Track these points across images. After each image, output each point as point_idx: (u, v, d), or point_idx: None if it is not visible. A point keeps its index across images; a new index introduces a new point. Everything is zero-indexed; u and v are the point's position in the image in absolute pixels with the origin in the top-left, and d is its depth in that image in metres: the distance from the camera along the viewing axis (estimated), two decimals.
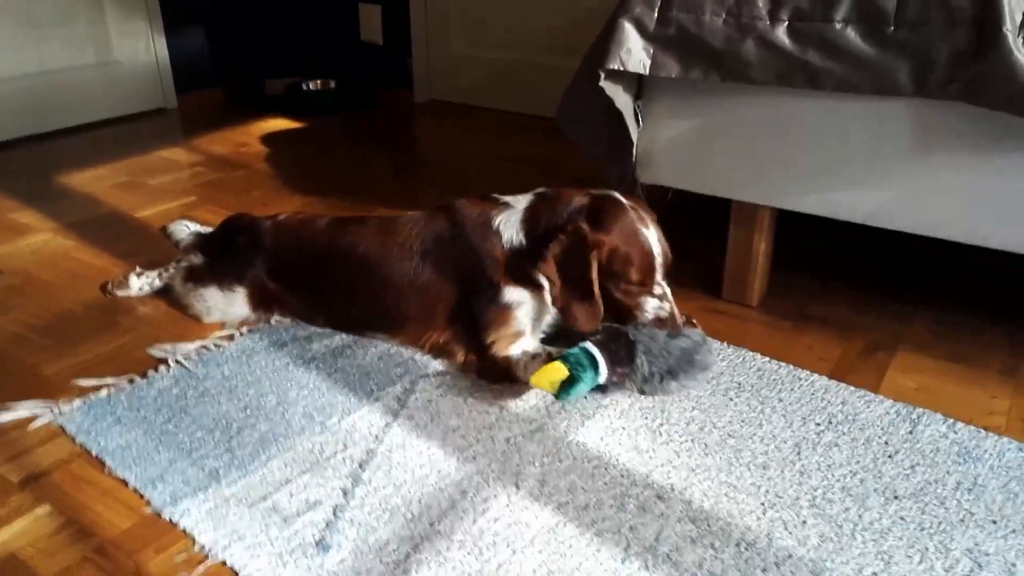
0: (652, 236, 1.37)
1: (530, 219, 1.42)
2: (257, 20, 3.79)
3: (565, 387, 1.28)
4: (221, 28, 3.65)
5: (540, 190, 1.48)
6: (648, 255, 1.36)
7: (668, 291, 1.39)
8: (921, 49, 1.28)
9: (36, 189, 2.47)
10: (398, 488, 1.16)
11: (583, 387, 1.29)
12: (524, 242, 1.41)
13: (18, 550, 1.06)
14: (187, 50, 3.53)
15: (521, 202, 1.46)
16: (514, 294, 1.41)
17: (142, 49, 3.33)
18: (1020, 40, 1.21)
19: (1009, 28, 1.21)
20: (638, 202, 1.43)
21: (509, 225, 1.43)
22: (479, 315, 1.42)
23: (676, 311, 1.39)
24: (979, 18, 1.23)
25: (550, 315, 1.47)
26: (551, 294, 1.38)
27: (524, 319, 1.42)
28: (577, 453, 1.24)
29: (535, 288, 1.42)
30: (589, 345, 1.31)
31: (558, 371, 1.28)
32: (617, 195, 1.41)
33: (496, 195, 1.50)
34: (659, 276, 1.38)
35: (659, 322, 1.37)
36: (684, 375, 1.34)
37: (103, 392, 1.39)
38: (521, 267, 1.41)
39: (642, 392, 1.35)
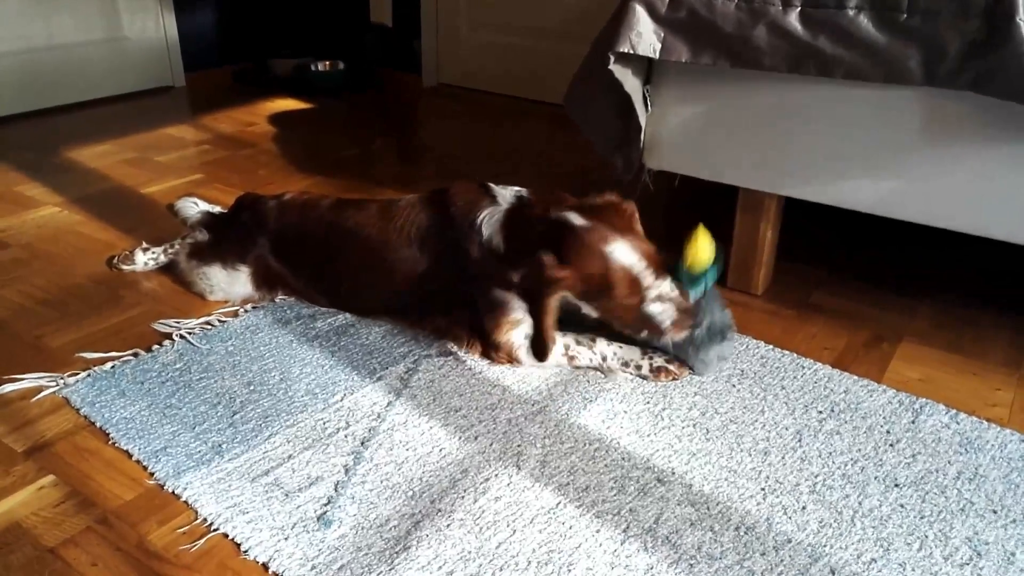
0: (620, 250, 1.27)
1: (508, 225, 1.37)
2: (266, 0, 3.77)
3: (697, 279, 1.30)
4: (230, 7, 3.64)
5: (521, 192, 1.42)
6: (621, 270, 1.27)
7: (668, 288, 1.30)
8: (933, 38, 1.27)
9: (43, 163, 2.47)
10: (399, 466, 1.16)
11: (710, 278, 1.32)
12: (502, 246, 1.37)
13: (22, 519, 1.07)
14: (196, 29, 3.52)
15: (506, 199, 1.41)
16: (504, 295, 1.39)
17: (151, 26, 3.32)
18: None
19: (1022, 18, 1.20)
20: (601, 215, 1.31)
21: (490, 224, 1.38)
22: (478, 303, 1.42)
23: (684, 302, 1.31)
24: (992, 8, 1.22)
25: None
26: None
27: (519, 310, 1.40)
28: (579, 435, 1.24)
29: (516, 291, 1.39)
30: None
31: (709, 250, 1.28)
32: (572, 217, 1.30)
33: (489, 184, 1.45)
34: (650, 280, 1.28)
35: (676, 324, 1.31)
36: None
37: (108, 365, 1.39)
38: (501, 269, 1.37)
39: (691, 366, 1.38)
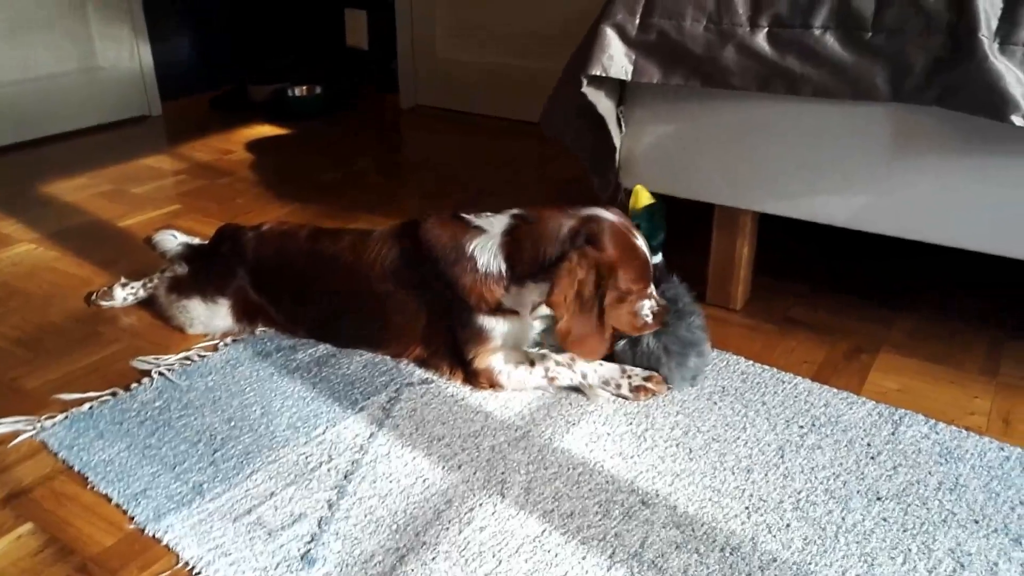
0: (641, 243, 1.36)
1: (510, 244, 1.36)
2: (242, 26, 3.78)
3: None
4: (206, 34, 3.63)
5: (516, 211, 1.41)
6: (646, 264, 1.35)
7: (652, 287, 1.39)
8: (898, 55, 1.29)
9: (18, 198, 2.45)
10: (383, 499, 1.16)
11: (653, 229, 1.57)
12: (504, 268, 1.36)
13: (2, 570, 1.05)
14: (172, 56, 3.51)
15: (497, 225, 1.39)
16: (488, 322, 1.39)
17: (126, 55, 3.31)
18: (996, 46, 1.22)
19: (985, 34, 1.22)
20: (617, 211, 1.39)
21: (485, 250, 1.37)
22: (457, 332, 1.42)
23: (662, 300, 1.40)
24: (955, 24, 1.24)
25: (533, 335, 1.48)
26: (558, 326, 1.30)
27: (499, 338, 1.41)
28: (562, 460, 1.24)
29: (510, 315, 1.40)
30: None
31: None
32: (600, 212, 1.36)
33: (465, 215, 1.44)
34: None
35: (656, 316, 1.38)
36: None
37: (85, 406, 1.38)
38: (495, 295, 1.37)
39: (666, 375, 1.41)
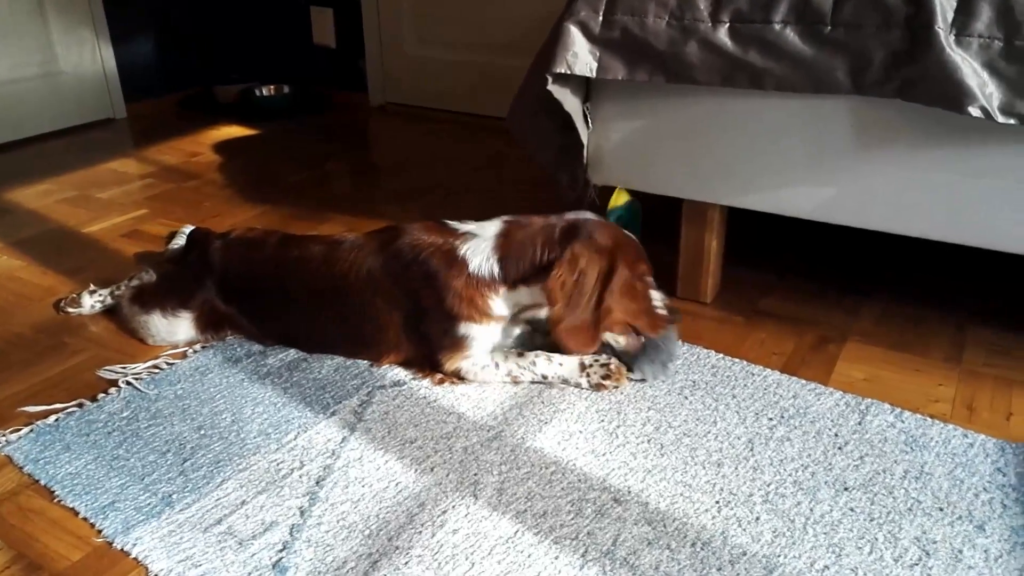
0: (630, 234, 1.41)
1: (504, 246, 1.37)
2: (207, 26, 3.73)
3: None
4: (170, 35, 3.58)
5: (507, 217, 1.42)
6: (642, 249, 1.41)
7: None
8: (858, 48, 1.31)
9: None
10: (356, 504, 1.15)
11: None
12: (496, 271, 1.36)
13: None
14: (135, 58, 3.46)
15: (489, 229, 1.40)
16: (472, 329, 1.39)
17: (88, 58, 3.26)
18: (952, 38, 1.24)
19: (941, 26, 1.23)
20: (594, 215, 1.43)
21: (478, 252, 1.37)
22: (433, 340, 1.41)
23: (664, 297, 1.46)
24: (912, 17, 1.26)
25: (508, 337, 1.48)
26: (550, 313, 1.32)
27: (478, 349, 1.41)
28: (535, 459, 1.24)
29: (495, 320, 1.40)
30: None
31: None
32: (584, 213, 1.40)
33: (448, 221, 1.44)
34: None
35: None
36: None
37: (51, 418, 1.36)
38: (485, 300, 1.37)
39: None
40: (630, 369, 1.42)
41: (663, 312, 1.41)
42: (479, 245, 1.38)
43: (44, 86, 3.13)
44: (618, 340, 1.41)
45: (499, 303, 1.39)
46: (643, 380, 1.42)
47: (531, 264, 1.35)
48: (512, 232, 1.39)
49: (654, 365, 1.42)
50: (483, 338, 1.41)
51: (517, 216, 1.42)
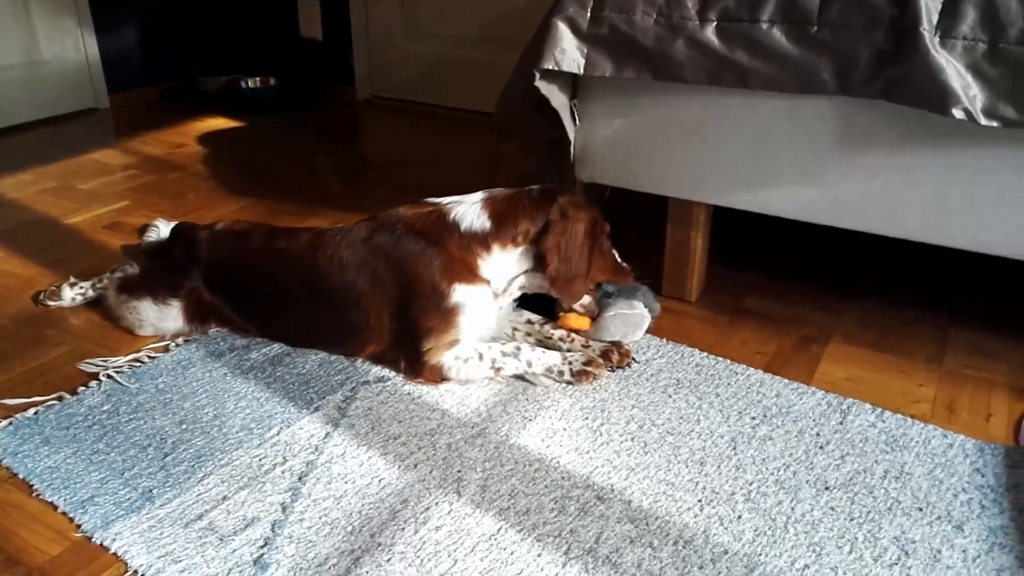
0: None
1: (492, 205, 1.44)
2: (193, 16, 3.69)
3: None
4: (155, 24, 3.55)
5: (484, 191, 1.48)
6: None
7: None
8: (843, 49, 1.31)
9: None
10: (338, 500, 1.15)
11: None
12: (488, 224, 1.42)
13: None
14: (119, 47, 3.42)
15: (473, 197, 1.47)
16: (463, 294, 1.40)
17: (71, 47, 3.22)
18: (937, 39, 1.25)
19: (926, 28, 1.24)
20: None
21: (468, 214, 1.43)
22: (419, 321, 1.41)
23: None
24: (897, 18, 1.26)
25: (494, 317, 1.48)
26: (548, 270, 1.41)
27: (466, 324, 1.41)
28: (518, 456, 1.24)
29: (485, 284, 1.43)
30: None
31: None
32: (553, 186, 1.49)
33: (432, 199, 1.49)
34: None
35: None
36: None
37: (31, 411, 1.34)
38: (476, 259, 1.42)
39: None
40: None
41: (626, 265, 1.56)
42: (468, 209, 1.44)
43: (26, 75, 3.09)
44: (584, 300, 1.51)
45: (491, 265, 1.43)
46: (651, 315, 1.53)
47: (521, 218, 1.43)
48: (495, 196, 1.46)
49: (647, 297, 1.53)
50: (473, 309, 1.41)
51: (492, 190, 1.49)
